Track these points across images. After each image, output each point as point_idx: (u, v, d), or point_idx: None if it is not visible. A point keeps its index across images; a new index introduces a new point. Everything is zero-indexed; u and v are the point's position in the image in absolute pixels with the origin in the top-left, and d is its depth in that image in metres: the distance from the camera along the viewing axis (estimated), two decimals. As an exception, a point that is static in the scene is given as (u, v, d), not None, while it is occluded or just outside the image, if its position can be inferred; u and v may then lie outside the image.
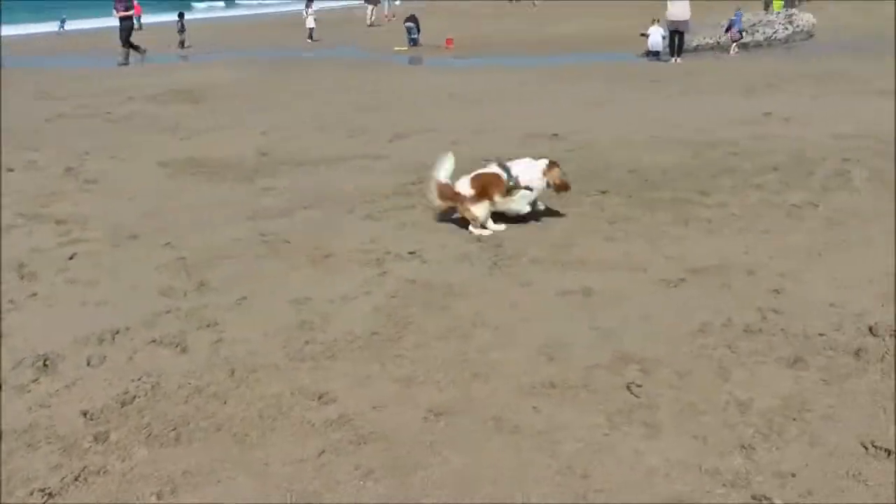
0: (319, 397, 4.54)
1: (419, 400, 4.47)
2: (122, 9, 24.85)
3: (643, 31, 26.56)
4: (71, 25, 50.60)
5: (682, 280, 5.98)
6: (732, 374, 4.60)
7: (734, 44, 21.95)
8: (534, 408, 4.33)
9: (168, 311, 5.82)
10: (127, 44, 25.09)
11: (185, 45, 32.30)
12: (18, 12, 61.44)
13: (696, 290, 5.79)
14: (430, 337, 5.23)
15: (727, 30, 22.59)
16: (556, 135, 11.22)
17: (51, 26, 50.05)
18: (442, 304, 5.75)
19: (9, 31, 40.67)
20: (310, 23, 33.25)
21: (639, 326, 5.24)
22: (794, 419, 4.13)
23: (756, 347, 4.91)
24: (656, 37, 20.58)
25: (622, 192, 8.30)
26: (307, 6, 34.24)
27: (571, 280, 6.07)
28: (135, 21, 48.43)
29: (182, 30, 32.78)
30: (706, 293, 5.73)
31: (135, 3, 50.34)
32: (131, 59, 24.79)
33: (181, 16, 34.26)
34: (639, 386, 4.50)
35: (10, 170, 10.75)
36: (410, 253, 6.80)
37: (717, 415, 4.21)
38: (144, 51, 25.17)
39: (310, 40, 32.54)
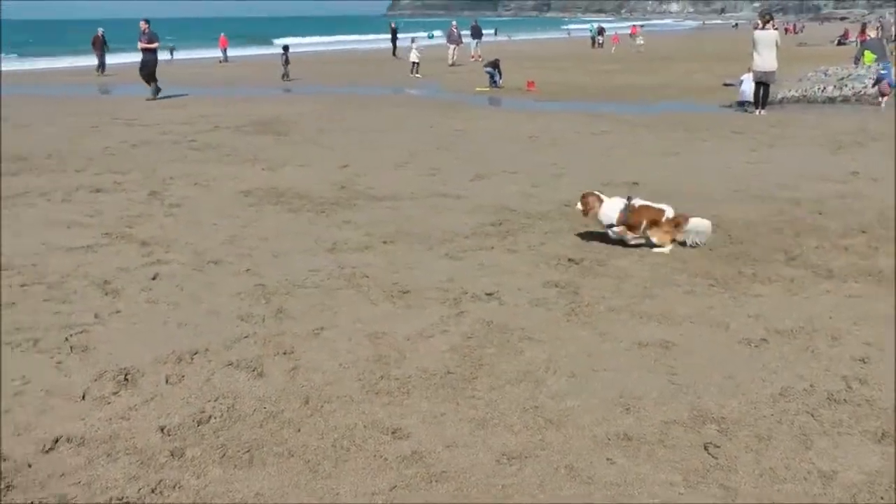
0: (393, 432, 4.61)
1: (492, 442, 4.51)
2: (145, 41, 24.80)
3: (726, 81, 26.42)
4: (180, 55, 53.93)
5: (764, 340, 5.92)
6: (815, 442, 4.52)
7: (883, 98, 21.31)
8: (608, 459, 4.34)
9: (246, 336, 5.98)
10: (150, 78, 24.94)
11: (289, 77, 32.80)
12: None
13: (778, 352, 5.73)
14: (504, 380, 5.28)
15: (875, 83, 21.99)
16: (635, 183, 11.22)
17: (163, 55, 52.07)
18: (517, 347, 5.81)
19: (124, 58, 42.34)
20: (413, 57, 33.57)
21: (718, 384, 5.20)
22: (882, 498, 4.04)
23: (840, 417, 4.81)
24: (749, 84, 20.27)
25: (703, 245, 8.26)
26: (413, 41, 34.58)
27: (650, 332, 6.07)
28: (224, 55, 50.29)
29: (286, 62, 33.24)
30: (788, 356, 5.66)
31: (221, 35, 52.24)
32: (150, 91, 24.68)
33: (286, 49, 34.73)
34: (717, 447, 4.46)
35: (98, 190, 11.14)
36: (488, 294, 6.87)
37: (798, 484, 4.14)
38: (159, 90, 24.83)
39: (415, 75, 32.83)
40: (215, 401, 4.99)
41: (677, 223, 8.12)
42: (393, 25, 51.62)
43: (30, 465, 4.35)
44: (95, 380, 5.33)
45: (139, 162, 13.48)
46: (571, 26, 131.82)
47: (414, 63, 33.46)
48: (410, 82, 30.80)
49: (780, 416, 4.80)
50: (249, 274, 7.45)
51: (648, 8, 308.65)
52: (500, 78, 27.17)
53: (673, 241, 8.14)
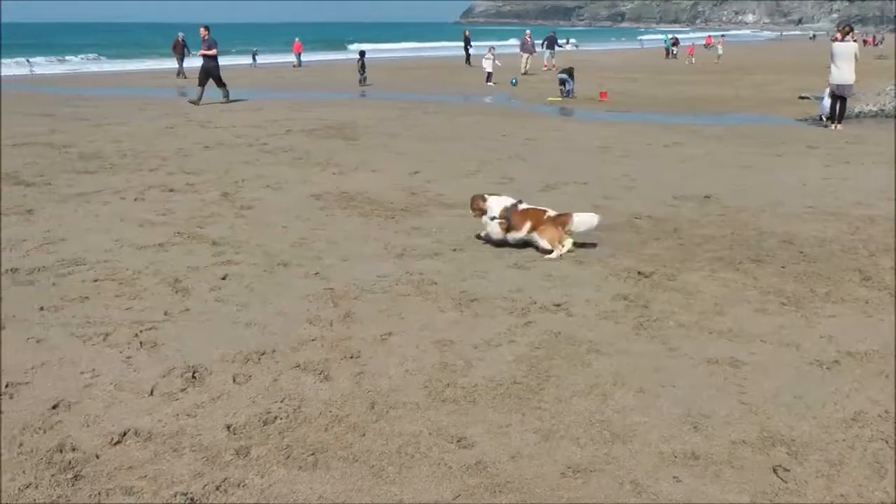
0: (458, 440, 4.61)
1: (558, 455, 4.48)
2: (205, 48, 25.04)
3: (802, 94, 25.99)
4: (262, 59, 55.35)
5: (837, 362, 5.78)
6: (889, 472, 4.38)
7: None
8: (674, 477, 4.28)
9: (313, 339, 6.03)
10: (219, 82, 25.18)
11: (366, 82, 33.02)
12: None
13: (852, 375, 5.58)
14: (571, 392, 5.24)
15: None
16: (707, 197, 11.08)
17: (245, 59, 55.47)
18: (584, 359, 5.76)
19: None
20: (488, 66, 33.50)
21: (789, 406, 5.09)
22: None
23: (917, 445, 4.69)
24: (829, 99, 19.77)
25: (775, 262, 8.13)
26: (490, 50, 34.49)
27: (719, 349, 5.97)
28: (298, 60, 50.94)
29: (363, 67, 33.39)
30: (862, 379, 5.52)
31: (296, 41, 52.90)
32: (194, 94, 24.77)
33: (362, 54, 34.91)
34: (786, 470, 4.37)
35: (171, 190, 11.34)
36: (556, 305, 6.84)
37: (871, 513, 4.04)
38: (199, 98, 24.63)
39: (490, 83, 32.77)
40: (281, 402, 5.04)
41: (562, 222, 8.33)
42: (467, 33, 51.59)
43: (97, 457, 4.44)
44: (164, 376, 5.43)
45: (212, 163, 13.71)
46: (645, 37, 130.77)
47: (489, 72, 33.35)
48: (482, 90, 30.80)
49: (853, 442, 4.68)
50: (318, 277, 7.52)
51: (724, 18, 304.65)
52: (573, 86, 27.00)
53: (562, 244, 8.31)
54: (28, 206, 10.50)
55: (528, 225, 8.38)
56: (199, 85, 24.76)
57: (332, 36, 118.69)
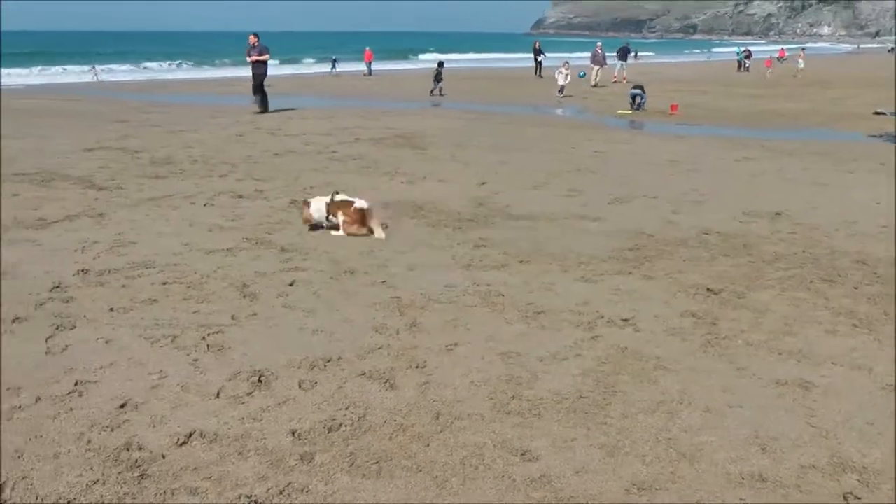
0: (522, 454, 4.60)
1: (623, 471, 4.45)
2: (256, 55, 24.81)
3: (878, 110, 25.48)
4: (341, 67, 56.41)
5: (911, 388, 5.65)
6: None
7: None
8: (741, 499, 4.22)
9: (379, 348, 6.07)
10: (258, 91, 24.98)
11: (441, 92, 33.08)
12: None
13: (928, 402, 5.46)
14: (637, 408, 5.20)
15: None
16: (778, 213, 10.90)
17: (325, 67, 57.56)
18: (651, 376, 5.71)
19: (293, 69, 44.59)
20: (561, 79, 33.24)
21: (860, 431, 4.98)
22: None
23: None
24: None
25: (848, 282, 7.97)
26: (565, 64, 34.20)
27: (789, 370, 5.86)
28: (368, 68, 51.39)
29: (439, 78, 33.43)
30: (939, 407, 5.40)
31: (367, 50, 53.34)
32: (259, 104, 24.85)
33: (440, 64, 34.91)
34: (857, 498, 4.28)
35: (240, 196, 11.50)
36: (623, 320, 6.78)
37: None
38: (265, 101, 24.97)
39: (560, 95, 32.54)
40: (346, 409, 5.07)
41: (362, 216, 9.37)
42: (537, 44, 51.41)
43: (163, 457, 4.53)
44: (230, 379, 5.50)
45: (281, 170, 13.88)
46: (718, 49, 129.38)
47: (562, 85, 33.15)
48: (552, 101, 30.70)
49: (928, 471, 4.56)
50: (385, 286, 7.57)
51: (798, 30, 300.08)
52: (645, 101, 26.79)
53: (355, 231, 9.36)
54: (100, 209, 10.73)
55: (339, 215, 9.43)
56: (255, 94, 24.99)
57: (401, 46, 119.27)
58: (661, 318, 6.88)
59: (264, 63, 24.95)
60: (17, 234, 9.42)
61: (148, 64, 68.35)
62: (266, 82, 24.00)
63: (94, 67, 54.71)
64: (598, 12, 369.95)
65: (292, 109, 25.06)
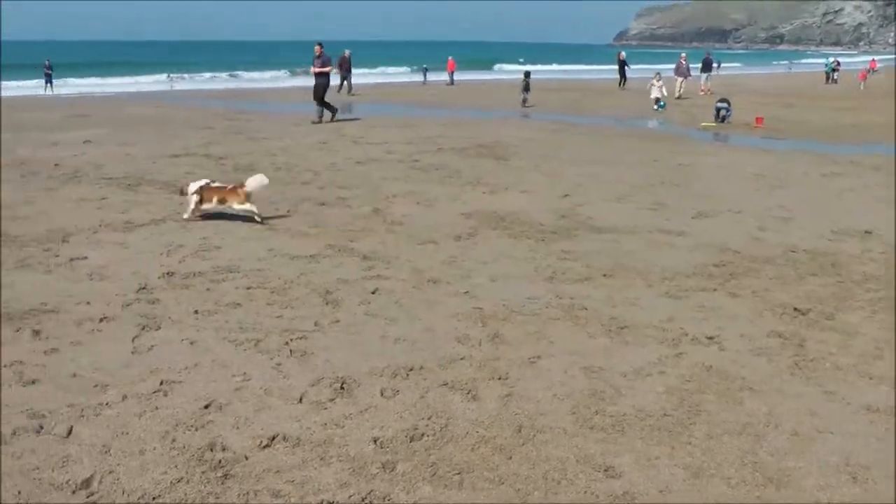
0: (605, 470, 4.55)
1: (707, 493, 4.38)
2: (319, 65, 24.69)
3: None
4: (432, 77, 56.60)
5: None
6: None
7: None
8: (833, 529, 4.11)
9: (462, 358, 6.07)
10: (321, 102, 24.64)
11: (527, 104, 32.79)
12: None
13: None
14: (722, 429, 5.10)
15: None
16: (868, 232, 10.61)
17: (417, 76, 58.29)
18: (737, 397, 5.59)
19: (383, 78, 45.29)
20: (655, 92, 32.58)
21: (960, 462, 4.82)
22: None
23: None
24: None
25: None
26: (656, 76, 33.43)
27: (880, 396, 5.68)
28: (451, 78, 51.54)
29: (526, 88, 33.27)
30: None
31: (450, 59, 53.51)
32: (326, 116, 24.54)
33: (527, 75, 34.68)
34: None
35: (323, 204, 11.62)
36: (708, 338, 6.67)
37: None
38: (335, 110, 24.82)
39: (656, 108, 31.76)
40: (428, 419, 5.08)
41: (234, 191, 10.54)
42: (621, 56, 50.97)
43: (247, 458, 4.60)
44: (313, 385, 5.55)
45: (364, 178, 13.99)
46: (806, 60, 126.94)
47: (656, 98, 32.01)
48: (634, 113, 30.23)
49: None
50: (468, 296, 7.56)
51: (890, 40, 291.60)
52: (731, 114, 26.34)
53: (245, 202, 10.46)
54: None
55: (215, 198, 10.57)
56: (318, 105, 24.80)
57: (482, 56, 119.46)
58: (746, 337, 6.75)
59: (326, 74, 25.05)
60: (105, 237, 9.68)
61: (218, 74, 69.44)
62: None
63: (169, 76, 55.99)
64: (681, 23, 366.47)
65: (375, 118, 25.24)
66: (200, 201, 10.57)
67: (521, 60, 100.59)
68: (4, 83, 52.15)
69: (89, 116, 26.72)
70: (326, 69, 24.92)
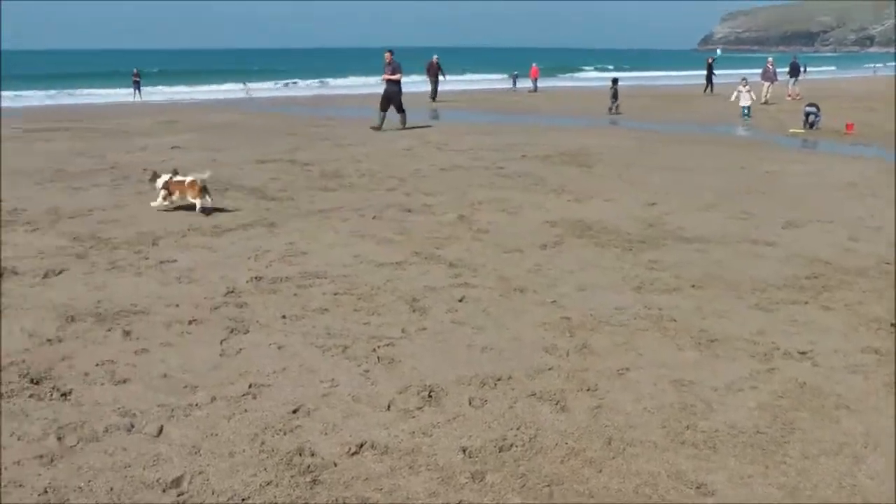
0: (697, 487, 4.47)
1: (804, 514, 4.26)
2: (389, 72, 24.53)
3: None
4: (521, 84, 56.45)
5: None
6: None
7: None
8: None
9: (550, 368, 6.02)
10: (394, 108, 24.38)
11: (615, 111, 32.43)
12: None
13: None
14: (818, 449, 4.96)
15: None
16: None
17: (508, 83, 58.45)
18: (833, 415, 5.43)
19: (469, 84, 45.72)
20: (743, 100, 30.97)
21: None
22: None
23: None
24: None
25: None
26: (742, 82, 32.16)
27: None
28: (534, 85, 51.45)
29: (615, 95, 32.95)
30: None
31: (533, 66, 53.40)
32: (394, 123, 24.30)
33: (615, 82, 34.28)
34: None
35: (408, 210, 11.67)
36: (801, 353, 6.50)
37: None
38: (404, 119, 24.50)
39: (746, 118, 30.64)
40: (517, 429, 5.05)
41: (192, 184, 11.54)
42: (710, 60, 50.25)
43: (335, 464, 4.63)
44: (400, 392, 5.57)
45: (449, 185, 14.03)
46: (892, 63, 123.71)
47: (744, 106, 30.76)
48: (721, 120, 29.57)
49: None
50: (555, 305, 7.51)
51: None
52: (820, 119, 25.70)
53: (197, 195, 11.53)
54: (272, 219, 11.09)
55: (177, 191, 11.72)
56: (381, 110, 24.48)
57: (565, 62, 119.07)
58: (840, 352, 6.56)
59: (397, 82, 24.66)
60: (193, 240, 9.86)
61: (298, 80, 70.23)
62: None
63: (245, 84, 56.93)
64: (768, 26, 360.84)
65: (460, 124, 25.28)
66: (169, 194, 11.77)
67: (611, 67, 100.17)
68: (96, 91, 54.09)
69: (177, 122, 27.28)
70: (396, 76, 24.63)
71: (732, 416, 5.33)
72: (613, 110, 32.50)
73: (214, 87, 60.90)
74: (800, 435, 5.13)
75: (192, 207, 11.51)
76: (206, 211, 11.50)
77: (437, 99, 38.83)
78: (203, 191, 11.54)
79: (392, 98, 24.49)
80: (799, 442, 5.04)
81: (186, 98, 48.86)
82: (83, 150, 19.30)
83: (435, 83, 39.67)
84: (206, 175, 11.78)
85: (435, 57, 40.03)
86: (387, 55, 24.98)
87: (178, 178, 11.78)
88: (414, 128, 23.97)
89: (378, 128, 24.07)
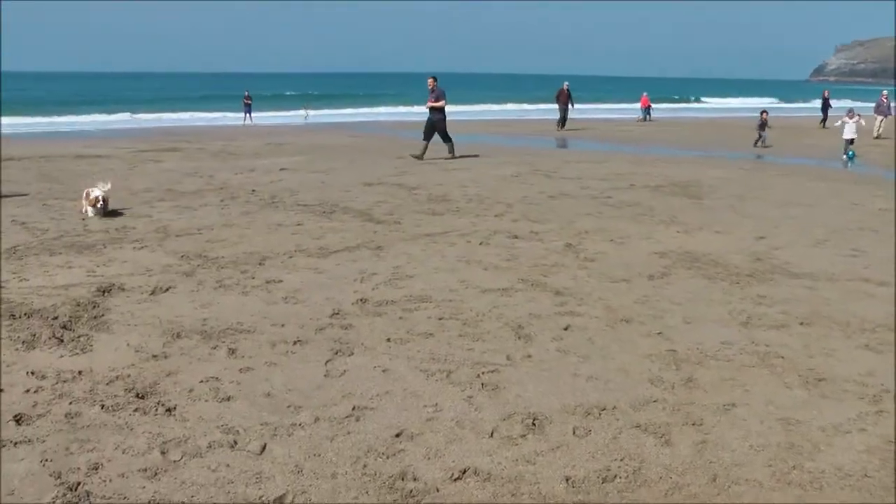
0: (804, 528, 4.39)
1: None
2: (433, 100, 23.83)
3: None
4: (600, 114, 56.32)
5: None
6: None
7: None
8: None
9: (655, 401, 6.00)
10: (440, 135, 23.77)
11: (764, 143, 30.93)
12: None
13: None
14: (929, 496, 4.84)
15: None
16: None
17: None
18: (945, 463, 5.30)
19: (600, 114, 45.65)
20: (848, 132, 28.06)
21: None
22: None
23: None
24: None
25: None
26: (849, 113, 30.50)
27: None
28: (645, 114, 50.98)
29: (762, 125, 31.32)
30: None
31: (644, 95, 52.95)
32: (449, 150, 23.77)
33: (764, 113, 32.72)
34: None
35: (515, 237, 11.74)
36: (912, 397, 6.35)
37: None
38: (422, 153, 23.40)
39: (846, 155, 28.84)
40: (621, 461, 5.05)
41: (88, 195, 13.25)
42: (826, 94, 49.22)
43: (438, 490, 4.69)
44: (504, 419, 5.61)
45: (556, 213, 14.05)
46: None
47: (848, 140, 28.13)
48: (834, 154, 28.82)
49: None
50: (661, 337, 7.47)
51: None
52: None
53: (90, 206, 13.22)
54: (378, 242, 11.27)
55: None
56: (424, 139, 23.84)
57: (675, 91, 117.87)
58: (953, 397, 6.38)
59: (441, 109, 23.98)
60: (299, 261, 10.09)
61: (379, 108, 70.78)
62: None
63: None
64: (884, 57, 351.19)
65: (570, 152, 25.23)
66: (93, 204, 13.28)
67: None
68: (207, 115, 55.93)
69: (285, 145, 27.86)
70: (440, 104, 23.90)
71: (840, 459, 5.23)
72: (760, 144, 30.99)
73: (329, 110, 62.36)
74: (910, 481, 5.01)
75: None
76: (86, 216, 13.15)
77: (565, 127, 38.77)
78: (95, 202, 13.19)
79: (436, 125, 23.90)
80: (909, 488, 4.93)
81: (296, 122, 49.91)
82: (193, 171, 19.92)
83: (564, 111, 39.33)
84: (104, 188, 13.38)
85: (566, 84, 39.88)
86: (430, 81, 24.23)
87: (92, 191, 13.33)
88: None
89: (420, 157, 23.33)
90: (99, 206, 13.09)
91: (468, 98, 72.36)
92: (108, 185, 13.61)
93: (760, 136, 31.21)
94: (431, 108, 24.14)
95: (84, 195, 13.37)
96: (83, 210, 13.26)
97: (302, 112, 56.57)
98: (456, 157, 23.65)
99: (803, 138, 37.05)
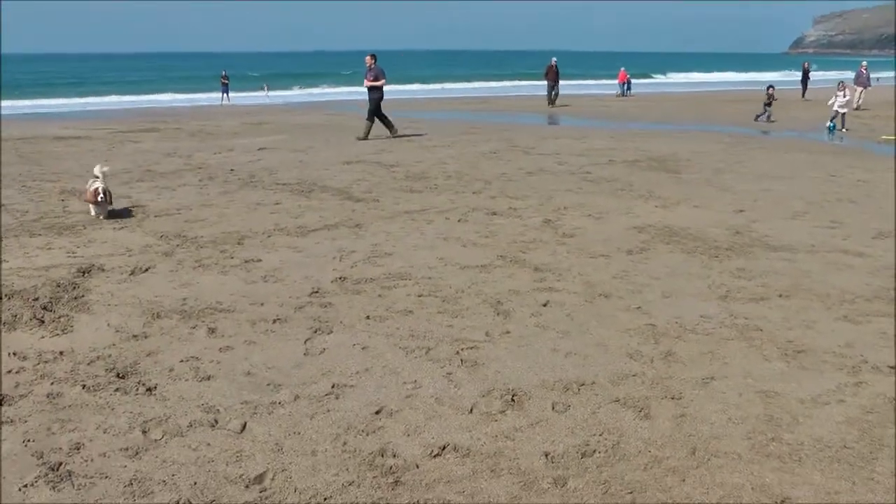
0: (782, 501, 4.40)
1: (894, 534, 4.18)
2: (371, 78, 23.03)
3: None
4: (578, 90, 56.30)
5: None
6: None
7: None
8: None
9: (634, 375, 5.99)
10: (371, 117, 23.07)
11: (769, 119, 30.77)
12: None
13: None
14: (907, 466, 4.85)
15: None
16: None
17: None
18: (924, 433, 5.32)
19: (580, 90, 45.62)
20: (837, 105, 27.71)
21: None
22: None
23: None
24: None
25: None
26: (839, 85, 29.88)
27: None
28: (624, 88, 50.96)
29: (769, 101, 30.92)
30: None
31: (621, 70, 52.91)
32: (364, 131, 23.05)
33: (770, 88, 31.98)
34: None
35: (493, 213, 11.72)
36: (890, 367, 6.32)
37: None
38: (395, 130, 23.30)
39: (842, 130, 28.72)
40: (600, 435, 5.04)
41: (94, 193, 11.47)
42: (806, 65, 49.34)
43: (417, 466, 4.68)
44: (483, 395, 5.60)
45: (535, 189, 14.03)
46: None
47: (838, 113, 27.76)
48: (812, 126, 28.81)
49: None
50: (640, 312, 7.46)
51: None
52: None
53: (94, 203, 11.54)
54: (357, 220, 11.24)
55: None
56: (368, 119, 23.20)
57: (653, 65, 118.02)
58: (933, 368, 6.41)
59: (379, 88, 23.19)
60: (278, 240, 10.04)
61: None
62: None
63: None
64: (862, 29, 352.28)
65: (548, 128, 25.20)
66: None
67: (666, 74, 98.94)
68: (190, 95, 55.65)
69: (263, 124, 27.73)
70: (378, 83, 23.09)
71: (819, 430, 5.24)
72: (763, 119, 30.72)
73: (315, 90, 62.18)
74: (888, 452, 5.00)
75: None
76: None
77: (555, 104, 38.80)
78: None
79: (371, 104, 23.25)
80: (887, 459, 4.91)
81: (280, 101, 49.69)
82: (172, 151, 19.82)
83: (552, 87, 39.46)
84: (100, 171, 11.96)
85: (553, 60, 39.88)
86: (368, 59, 23.31)
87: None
88: (503, 131, 23.80)
89: (365, 137, 22.80)
90: (100, 199, 11.40)
91: (448, 77, 72.40)
92: (107, 167, 12.47)
93: (765, 111, 30.96)
94: (370, 88, 23.29)
95: (88, 192, 11.73)
96: (89, 211, 11.73)
97: (263, 92, 56.39)
98: (367, 140, 22.60)
99: (782, 111, 37.10)
